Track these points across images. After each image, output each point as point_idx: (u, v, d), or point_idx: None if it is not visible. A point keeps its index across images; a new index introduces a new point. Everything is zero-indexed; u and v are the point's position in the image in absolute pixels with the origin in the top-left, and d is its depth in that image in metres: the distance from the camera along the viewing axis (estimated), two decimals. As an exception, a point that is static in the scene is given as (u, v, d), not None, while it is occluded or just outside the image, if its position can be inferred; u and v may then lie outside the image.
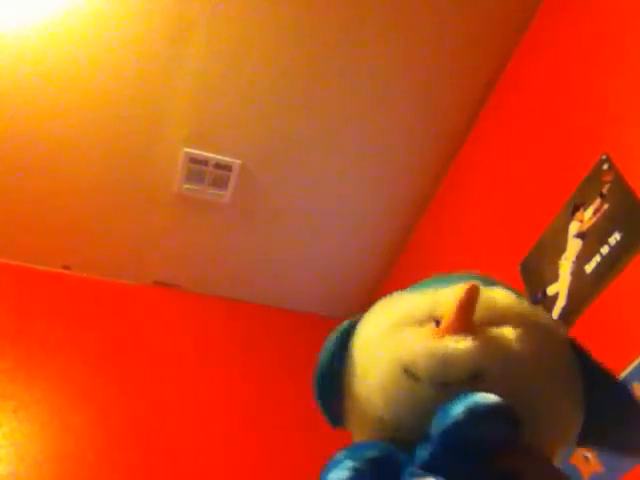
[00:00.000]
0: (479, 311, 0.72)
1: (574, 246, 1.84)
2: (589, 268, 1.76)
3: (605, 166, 1.79)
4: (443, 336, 0.71)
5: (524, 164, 2.24)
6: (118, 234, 2.88)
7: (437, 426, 0.65)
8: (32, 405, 2.61)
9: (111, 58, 2.36)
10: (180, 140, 2.58)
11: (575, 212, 1.87)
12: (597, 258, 1.73)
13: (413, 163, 2.74)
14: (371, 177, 2.77)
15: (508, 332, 0.72)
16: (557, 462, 0.75)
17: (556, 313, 1.85)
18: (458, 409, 0.64)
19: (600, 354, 1.72)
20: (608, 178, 1.76)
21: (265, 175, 2.72)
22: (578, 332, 1.81)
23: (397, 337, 0.75)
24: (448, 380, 0.69)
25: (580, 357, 0.79)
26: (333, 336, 0.85)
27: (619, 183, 1.72)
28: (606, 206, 1.75)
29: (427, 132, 2.65)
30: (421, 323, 0.74)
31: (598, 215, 1.77)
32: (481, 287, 0.74)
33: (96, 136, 2.56)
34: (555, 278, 1.89)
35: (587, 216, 1.81)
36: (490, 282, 0.81)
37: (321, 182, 2.77)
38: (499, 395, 0.65)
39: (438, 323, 0.73)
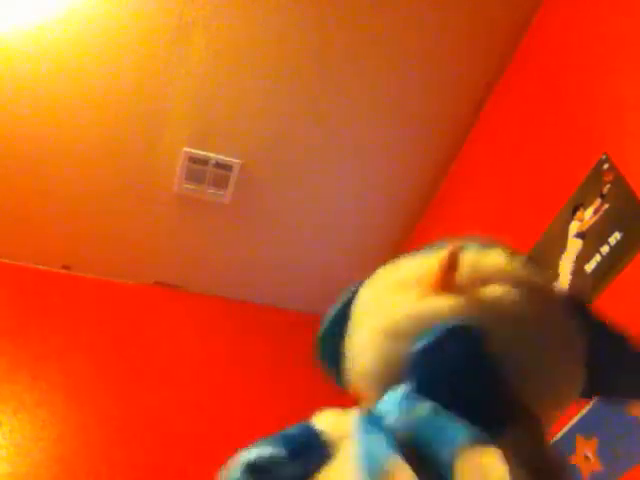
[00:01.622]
0: (465, 272, 0.72)
1: (574, 246, 1.85)
2: (589, 268, 1.76)
3: (605, 166, 1.79)
4: (424, 298, 0.71)
5: (524, 164, 2.24)
6: (118, 234, 2.88)
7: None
8: (32, 405, 2.61)
9: (111, 58, 2.36)
10: (180, 140, 2.58)
11: (575, 212, 1.88)
12: (597, 258, 1.74)
13: (413, 164, 2.74)
14: (371, 177, 2.77)
15: (494, 289, 0.71)
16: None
17: (556, 313, 1.85)
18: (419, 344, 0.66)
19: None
20: (608, 178, 1.76)
21: (265, 175, 2.72)
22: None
23: (384, 302, 0.76)
24: None
25: (580, 313, 0.77)
26: (337, 303, 0.88)
27: (619, 183, 1.72)
28: (606, 206, 1.75)
29: (427, 133, 2.65)
30: (410, 287, 0.74)
31: (598, 215, 1.77)
32: (472, 250, 0.75)
33: (96, 136, 2.56)
34: (555, 278, 1.89)
35: (587, 216, 1.82)
36: (488, 245, 0.81)
37: (321, 182, 2.77)
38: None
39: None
